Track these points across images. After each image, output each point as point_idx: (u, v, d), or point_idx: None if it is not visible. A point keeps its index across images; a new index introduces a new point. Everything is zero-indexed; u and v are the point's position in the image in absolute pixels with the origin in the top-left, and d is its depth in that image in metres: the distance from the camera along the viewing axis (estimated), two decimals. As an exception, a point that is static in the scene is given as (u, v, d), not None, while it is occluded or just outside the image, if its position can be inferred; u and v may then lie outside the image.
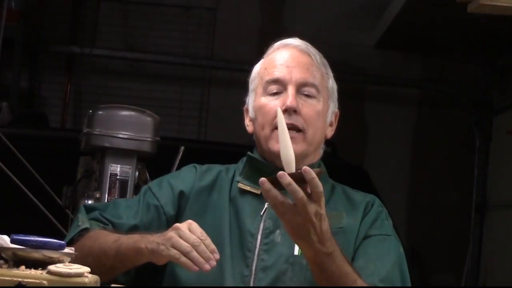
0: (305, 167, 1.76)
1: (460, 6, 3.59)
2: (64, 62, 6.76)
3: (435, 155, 6.64)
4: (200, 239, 1.82)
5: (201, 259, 1.80)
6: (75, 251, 1.77)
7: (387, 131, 6.72)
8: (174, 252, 1.82)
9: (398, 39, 6.17)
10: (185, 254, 1.81)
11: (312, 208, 1.77)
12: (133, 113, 2.91)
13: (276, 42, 2.14)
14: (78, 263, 1.87)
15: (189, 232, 1.83)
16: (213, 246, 1.83)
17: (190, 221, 1.87)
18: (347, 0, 6.61)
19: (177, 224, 1.86)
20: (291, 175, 1.77)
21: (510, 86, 6.09)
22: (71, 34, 6.78)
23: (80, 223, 2.06)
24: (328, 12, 6.63)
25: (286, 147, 1.84)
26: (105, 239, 1.97)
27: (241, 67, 6.32)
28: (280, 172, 1.77)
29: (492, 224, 6.07)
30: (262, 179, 1.78)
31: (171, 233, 1.84)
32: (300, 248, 1.90)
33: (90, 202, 2.78)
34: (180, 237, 1.82)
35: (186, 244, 1.81)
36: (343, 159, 4.98)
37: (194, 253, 1.81)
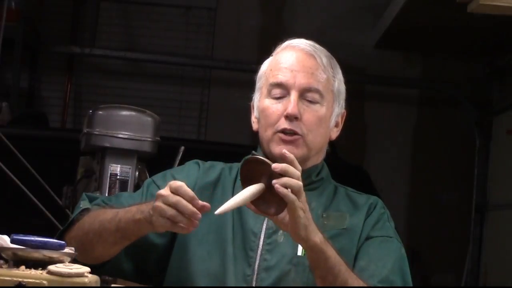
0: (273, 181, 1.78)
1: (460, 6, 3.60)
2: (64, 62, 6.76)
3: (435, 155, 6.63)
4: (178, 195, 1.80)
5: (186, 221, 1.80)
6: (76, 230, 1.74)
7: (387, 131, 6.72)
8: (163, 221, 1.82)
9: (398, 39, 6.17)
10: (173, 219, 1.80)
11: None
12: (133, 113, 2.92)
13: (283, 41, 2.13)
14: (79, 241, 1.91)
15: (170, 194, 1.82)
16: (190, 193, 1.81)
17: (171, 182, 1.85)
18: (347, 0, 6.61)
19: (160, 191, 1.84)
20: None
21: (510, 86, 6.09)
22: (71, 34, 6.79)
23: (81, 206, 2.07)
24: (328, 12, 6.63)
25: None
26: (104, 215, 1.98)
27: (241, 67, 6.32)
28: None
29: (492, 224, 6.07)
30: (289, 154, 1.82)
31: (156, 203, 1.83)
32: (307, 239, 1.87)
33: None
34: (164, 202, 1.82)
35: (170, 208, 1.80)
36: (343, 159, 4.98)
37: (179, 217, 1.80)
